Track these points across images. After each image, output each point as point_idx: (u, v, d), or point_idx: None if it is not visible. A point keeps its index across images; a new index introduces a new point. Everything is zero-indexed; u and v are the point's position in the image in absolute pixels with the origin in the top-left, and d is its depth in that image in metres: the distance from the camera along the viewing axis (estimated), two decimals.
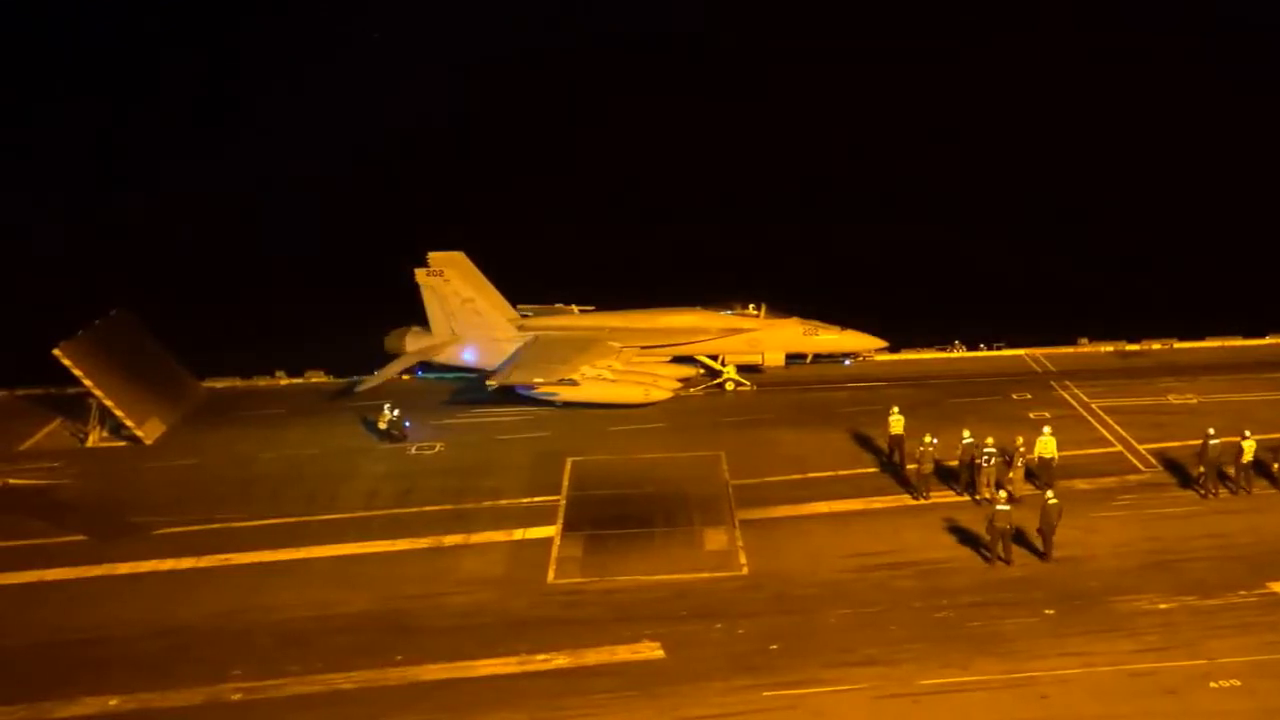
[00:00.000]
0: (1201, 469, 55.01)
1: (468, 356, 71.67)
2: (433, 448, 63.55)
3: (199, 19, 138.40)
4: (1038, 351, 75.22)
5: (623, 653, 44.45)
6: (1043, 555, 49.71)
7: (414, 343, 71.85)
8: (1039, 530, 49.65)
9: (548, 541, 52.85)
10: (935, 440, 55.52)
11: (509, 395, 67.95)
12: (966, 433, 55.82)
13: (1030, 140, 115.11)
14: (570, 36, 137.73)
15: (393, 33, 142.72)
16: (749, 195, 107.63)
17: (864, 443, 61.58)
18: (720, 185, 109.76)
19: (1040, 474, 54.73)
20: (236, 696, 42.65)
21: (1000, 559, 49.34)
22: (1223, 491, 54.96)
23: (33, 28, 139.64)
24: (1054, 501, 49.47)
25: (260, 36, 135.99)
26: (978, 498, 54.53)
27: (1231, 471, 55.09)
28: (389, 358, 71.52)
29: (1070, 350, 75.55)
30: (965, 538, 51.54)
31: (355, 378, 71.78)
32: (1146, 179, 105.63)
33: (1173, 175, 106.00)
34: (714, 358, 71.62)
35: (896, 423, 58.91)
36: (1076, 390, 67.90)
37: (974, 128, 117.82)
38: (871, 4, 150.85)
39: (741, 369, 71.63)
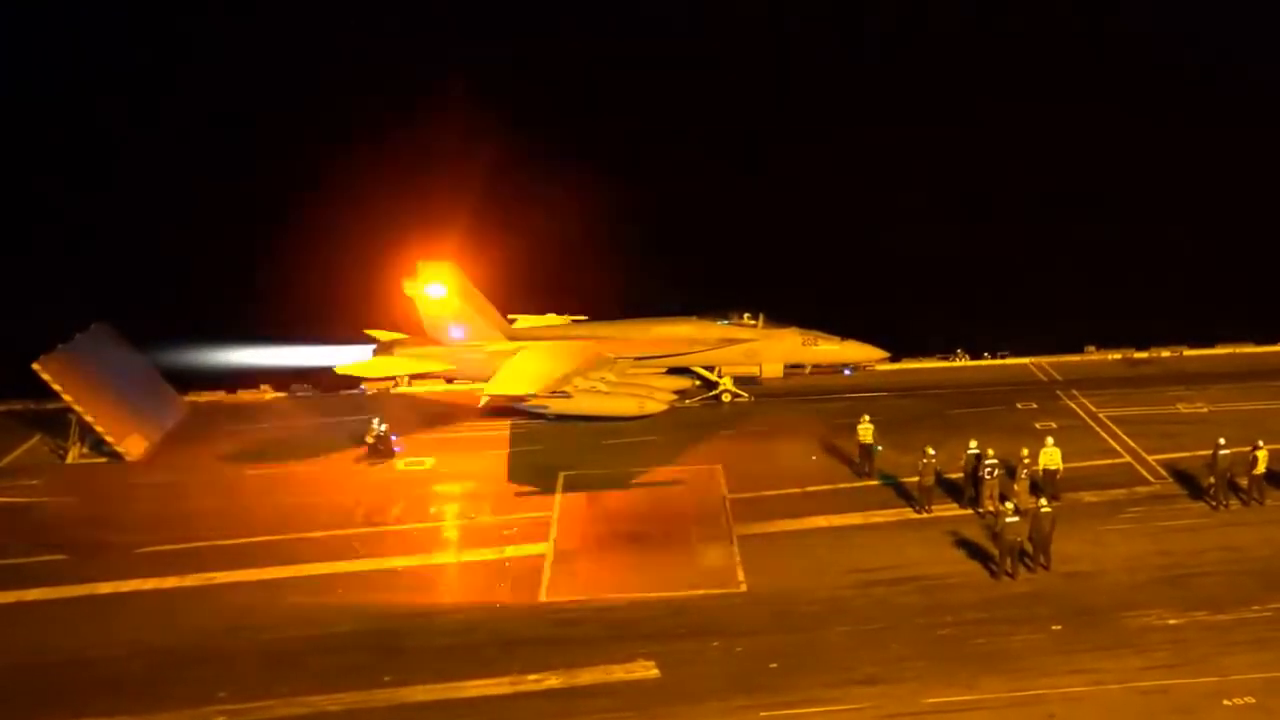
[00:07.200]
0: (1212, 480, 54.45)
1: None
2: (421, 462, 62.84)
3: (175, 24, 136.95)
4: (1043, 360, 75.03)
5: (617, 672, 43.78)
6: (1029, 567, 49.25)
7: (403, 352, 70.99)
8: (1030, 538, 49.10)
9: (540, 558, 52.09)
10: (935, 452, 54.98)
11: (499, 408, 67.03)
12: (973, 443, 55.35)
13: (1037, 139, 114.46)
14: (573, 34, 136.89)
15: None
16: (749, 202, 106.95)
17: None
18: (722, 192, 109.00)
19: (1045, 486, 53.93)
20: (221, 719, 41.88)
21: (1007, 574, 48.66)
22: (1234, 503, 54.43)
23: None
24: (1047, 510, 49.13)
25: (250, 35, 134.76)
26: (981, 511, 53.88)
27: (1244, 483, 54.60)
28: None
29: (1077, 358, 75.34)
30: (969, 552, 50.96)
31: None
32: (1154, 182, 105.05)
33: (1182, 179, 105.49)
34: (710, 369, 70.86)
35: (865, 431, 58.82)
36: (1083, 399, 67.47)
37: (975, 128, 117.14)
38: None
39: (739, 380, 70.93)
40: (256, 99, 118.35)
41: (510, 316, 71.83)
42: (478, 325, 69.83)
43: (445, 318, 69.62)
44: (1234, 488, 54.62)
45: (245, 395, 73.68)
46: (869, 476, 58.60)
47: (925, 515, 54.68)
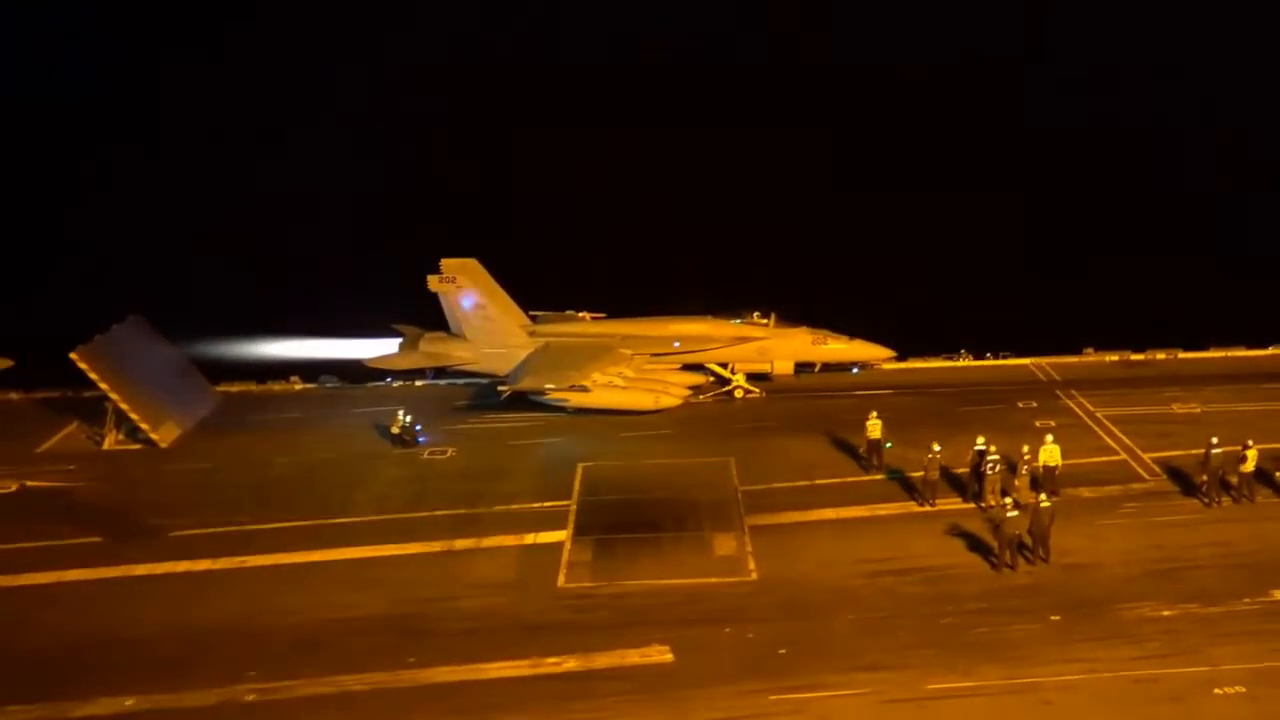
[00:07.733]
0: (1204, 477, 55.34)
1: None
2: (445, 452, 63.89)
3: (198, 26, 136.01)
4: (1043, 361, 75.87)
5: (632, 656, 44.58)
6: (1029, 559, 50.11)
7: (429, 345, 72.75)
8: (1029, 532, 49.99)
9: (558, 546, 53.02)
10: (940, 448, 55.93)
11: (520, 401, 68.42)
12: (980, 439, 56.15)
13: (1034, 140, 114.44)
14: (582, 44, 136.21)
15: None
16: (755, 205, 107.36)
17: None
18: (728, 195, 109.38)
19: (1044, 482, 54.87)
20: (250, 698, 42.67)
21: (1007, 566, 49.70)
22: (1225, 500, 55.21)
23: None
24: (1046, 505, 50.07)
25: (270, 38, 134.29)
26: (983, 505, 54.81)
27: (1234, 480, 55.33)
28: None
29: (1076, 359, 76.15)
30: (971, 544, 51.77)
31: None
32: (1150, 187, 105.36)
33: (1176, 184, 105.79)
34: (724, 365, 72.15)
35: (874, 427, 59.71)
36: (1082, 399, 68.23)
37: (972, 131, 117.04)
38: None
39: (751, 377, 72.14)
40: (283, 94, 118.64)
41: (532, 313, 73.26)
42: (500, 321, 71.37)
43: (469, 313, 71.26)
44: (1224, 485, 55.33)
45: (275, 386, 75.08)
46: (876, 470, 59.51)
47: (929, 509, 55.60)
